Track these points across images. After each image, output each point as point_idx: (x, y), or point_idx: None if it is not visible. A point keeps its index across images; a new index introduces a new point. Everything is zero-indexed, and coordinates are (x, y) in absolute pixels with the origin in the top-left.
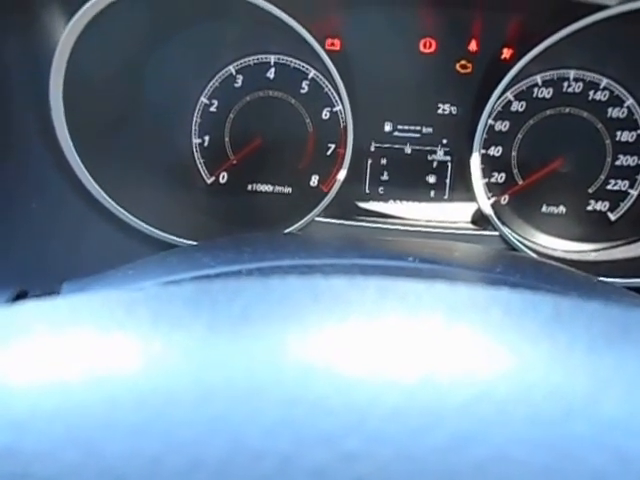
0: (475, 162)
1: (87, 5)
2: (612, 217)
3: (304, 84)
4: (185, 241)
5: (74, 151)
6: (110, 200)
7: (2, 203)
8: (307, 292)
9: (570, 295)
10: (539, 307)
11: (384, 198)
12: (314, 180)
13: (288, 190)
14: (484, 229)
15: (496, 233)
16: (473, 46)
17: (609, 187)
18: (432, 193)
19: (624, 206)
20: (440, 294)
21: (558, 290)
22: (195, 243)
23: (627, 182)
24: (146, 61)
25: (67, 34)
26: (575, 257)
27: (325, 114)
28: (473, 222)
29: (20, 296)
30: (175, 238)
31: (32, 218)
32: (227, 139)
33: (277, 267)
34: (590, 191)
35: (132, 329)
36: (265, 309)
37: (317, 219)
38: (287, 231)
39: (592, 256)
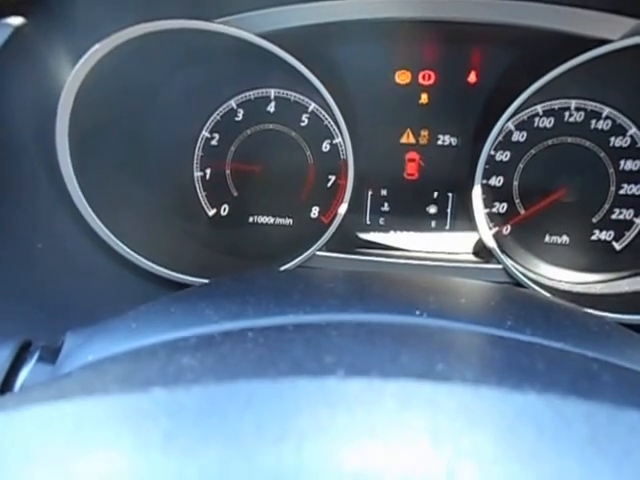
0: (476, 193)
1: (93, 49)
2: (617, 247)
3: (304, 117)
4: (188, 277)
5: (79, 191)
6: (113, 237)
7: (9, 244)
8: (322, 403)
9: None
10: (573, 426)
11: (385, 229)
12: (315, 212)
13: (289, 222)
14: (487, 262)
15: (499, 266)
16: (472, 78)
17: (613, 216)
18: (433, 224)
19: (629, 235)
20: (461, 403)
21: (579, 363)
22: (197, 281)
23: (632, 211)
24: (149, 99)
25: (73, 77)
26: (580, 289)
27: (325, 146)
28: (475, 253)
29: (24, 347)
30: (178, 275)
31: (37, 258)
32: (228, 172)
33: (283, 332)
34: (594, 220)
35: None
36: (279, 425)
37: (318, 253)
38: (289, 265)
39: (598, 288)
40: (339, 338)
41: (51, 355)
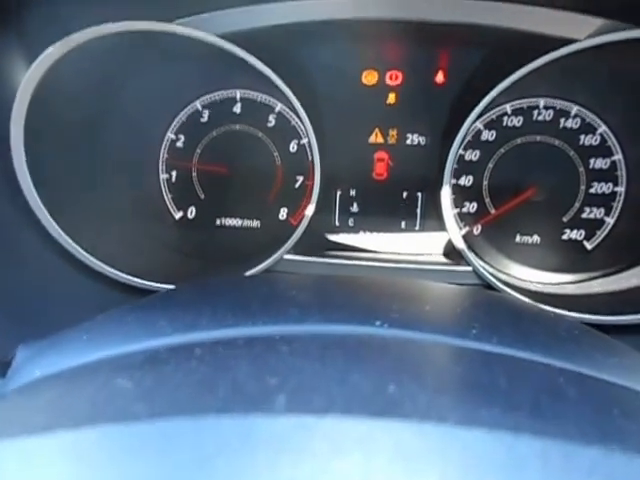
0: (445, 192)
1: (48, 51)
2: (588, 246)
3: (271, 117)
4: (153, 284)
5: (36, 195)
6: (73, 243)
7: None
8: (249, 443)
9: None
10: (526, 466)
11: (354, 230)
12: (283, 213)
13: (257, 224)
14: (456, 263)
15: (469, 268)
16: (440, 78)
17: (584, 215)
18: (403, 224)
19: (600, 234)
20: (402, 444)
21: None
22: (162, 287)
23: (602, 210)
24: (110, 101)
25: (27, 80)
26: (552, 290)
27: (293, 147)
28: (445, 255)
29: None
30: (143, 281)
31: None
32: (194, 174)
33: (233, 347)
34: (565, 220)
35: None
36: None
37: (286, 256)
38: (257, 269)
39: (569, 289)
40: (289, 355)
41: (2, 368)
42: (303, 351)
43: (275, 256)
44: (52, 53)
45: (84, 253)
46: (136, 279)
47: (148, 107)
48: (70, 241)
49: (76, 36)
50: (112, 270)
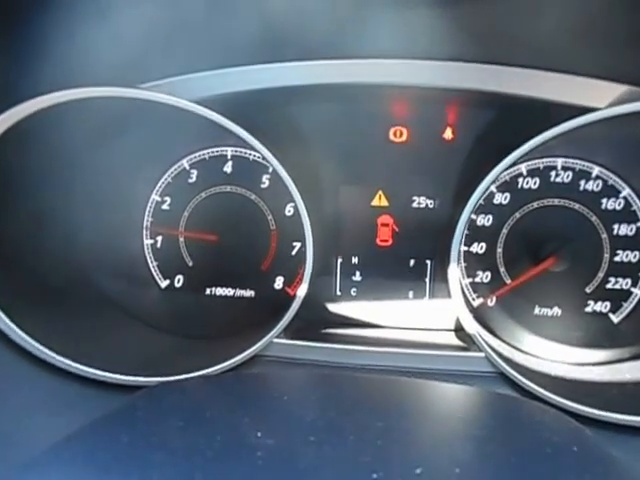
0: (454, 263)
1: (4, 115)
2: (615, 319)
3: (264, 178)
4: (127, 378)
5: None
6: (38, 344)
7: None
8: None
9: None
10: None
11: (357, 299)
12: (279, 282)
13: (250, 294)
14: (468, 349)
15: (481, 354)
16: (448, 134)
17: (609, 286)
18: (410, 294)
19: (627, 306)
20: None
21: None
22: (138, 381)
23: (629, 280)
24: (80, 166)
25: None
26: (576, 374)
27: (289, 210)
28: (456, 331)
29: None
30: (119, 377)
31: None
32: (182, 239)
33: None
34: (588, 291)
35: None
36: None
37: (276, 340)
38: (245, 354)
39: (595, 372)
40: None
41: None
42: None
43: (266, 339)
44: (10, 117)
45: (51, 353)
46: (111, 375)
47: (131, 167)
48: (33, 341)
49: (36, 101)
50: (85, 368)
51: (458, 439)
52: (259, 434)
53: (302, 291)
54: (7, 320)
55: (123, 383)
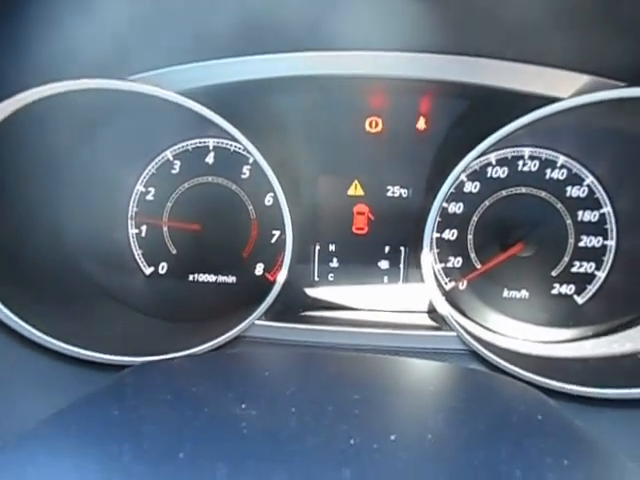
0: (426, 249)
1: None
2: (579, 300)
3: (245, 169)
4: (116, 357)
5: None
6: (25, 323)
7: None
8: None
9: None
10: None
11: (334, 285)
12: (259, 269)
13: (232, 279)
14: (440, 328)
15: (453, 333)
16: (421, 124)
17: (574, 269)
18: (385, 279)
19: (591, 289)
20: None
21: None
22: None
23: (593, 264)
24: (71, 155)
25: None
26: (542, 351)
27: (268, 200)
28: (430, 313)
29: None
30: (106, 356)
31: None
32: (165, 228)
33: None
34: (554, 274)
35: None
36: None
37: (257, 322)
38: (227, 335)
39: (560, 349)
40: None
41: None
42: None
43: (247, 321)
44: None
45: (37, 332)
46: (98, 354)
47: (115, 159)
48: (21, 321)
49: (26, 94)
50: (71, 347)
51: (431, 410)
52: (243, 406)
53: (282, 276)
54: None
55: (110, 362)
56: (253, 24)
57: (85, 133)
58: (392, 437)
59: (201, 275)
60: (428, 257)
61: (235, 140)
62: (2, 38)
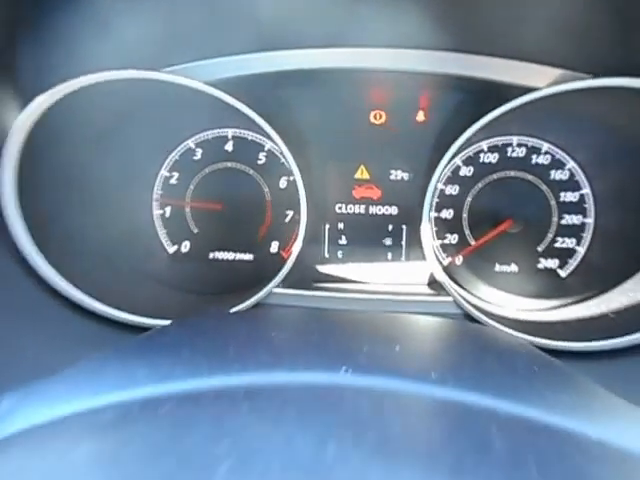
0: (426, 226)
1: (39, 98)
2: (562, 274)
3: (261, 155)
4: (145, 320)
5: (25, 235)
6: (67, 282)
7: None
8: None
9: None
10: None
11: (343, 261)
12: (274, 247)
13: (249, 257)
14: (438, 294)
15: (450, 298)
16: (421, 117)
17: (557, 245)
18: (389, 255)
19: (573, 263)
20: None
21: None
22: (153, 322)
23: (574, 240)
24: (104, 143)
25: (18, 125)
26: (529, 317)
27: (282, 183)
28: (429, 284)
29: None
30: (134, 317)
31: None
32: (188, 209)
33: (197, 404)
34: (539, 249)
35: None
36: None
37: (276, 290)
38: (247, 303)
39: (545, 315)
40: (246, 415)
41: None
42: (262, 408)
43: (266, 289)
44: (45, 99)
45: (76, 292)
46: (128, 315)
47: (142, 147)
48: (61, 279)
49: (68, 84)
50: (103, 306)
51: (436, 353)
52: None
53: (296, 250)
54: (54, 270)
55: (138, 324)
56: (271, 24)
57: (118, 121)
58: (397, 348)
59: (220, 253)
60: (428, 234)
61: (254, 130)
62: (53, 31)
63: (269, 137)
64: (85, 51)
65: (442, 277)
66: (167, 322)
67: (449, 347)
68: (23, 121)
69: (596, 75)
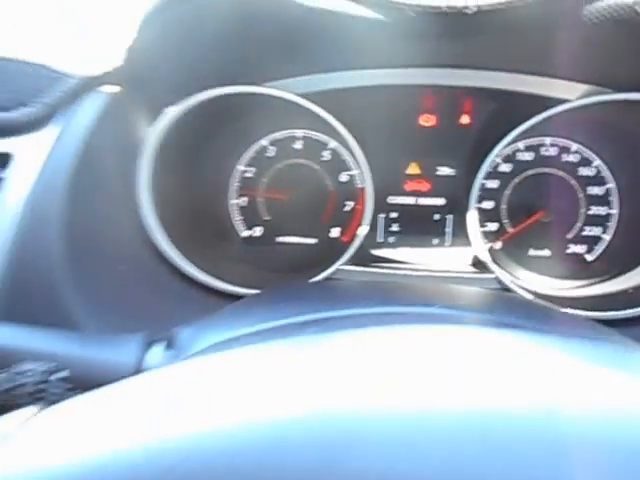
0: (471, 215)
1: (167, 110)
2: (589, 258)
3: (325, 153)
4: (232, 287)
5: (158, 226)
6: (185, 261)
7: (99, 265)
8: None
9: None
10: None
11: (395, 246)
12: (334, 232)
13: (314, 241)
14: (481, 272)
15: (492, 275)
16: (465, 120)
17: (585, 233)
18: (436, 241)
19: (598, 249)
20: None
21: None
22: (241, 291)
23: (600, 228)
24: (207, 144)
25: (153, 130)
26: (559, 294)
27: (343, 177)
28: (472, 266)
29: (150, 343)
30: (227, 286)
31: (119, 276)
32: (260, 199)
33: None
34: (569, 237)
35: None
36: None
37: (341, 267)
38: (319, 277)
39: (573, 292)
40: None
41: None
42: (386, 321)
43: (334, 267)
44: (171, 112)
45: (191, 267)
46: (227, 285)
47: (228, 146)
48: (181, 257)
49: (192, 98)
50: (209, 278)
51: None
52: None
53: (361, 235)
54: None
55: (232, 293)
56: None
57: (220, 126)
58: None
59: (288, 237)
60: (474, 222)
61: (326, 128)
62: (184, 50)
63: (337, 136)
64: (202, 69)
65: (486, 257)
66: (256, 291)
67: (502, 302)
68: (156, 128)
69: (618, 90)
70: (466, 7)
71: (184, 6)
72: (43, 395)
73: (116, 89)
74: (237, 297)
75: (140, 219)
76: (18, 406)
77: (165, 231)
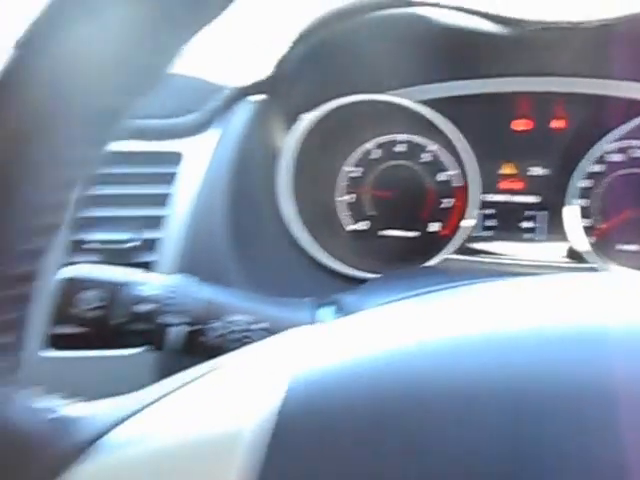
0: (568, 211)
1: (304, 117)
2: None
3: (423, 155)
4: (355, 272)
5: (300, 224)
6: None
7: (259, 250)
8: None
9: None
10: None
11: (490, 240)
12: (434, 227)
13: (415, 234)
14: (579, 263)
15: (588, 266)
16: (560, 124)
17: None
18: (531, 236)
19: None
20: None
21: None
22: (362, 274)
23: None
24: (330, 145)
25: (291, 135)
26: None
27: (441, 177)
28: (568, 257)
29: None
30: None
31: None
32: (366, 196)
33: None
34: None
35: None
36: None
37: (448, 256)
38: (427, 264)
39: None
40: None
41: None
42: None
43: (439, 256)
44: (306, 118)
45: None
46: (350, 270)
47: (340, 148)
48: (318, 247)
49: (325, 105)
50: (336, 263)
51: None
52: None
53: (463, 229)
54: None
55: (353, 276)
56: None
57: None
58: None
59: (391, 231)
60: (572, 218)
61: (428, 132)
62: (326, 65)
63: (439, 140)
64: (337, 80)
65: (584, 247)
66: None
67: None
68: (294, 133)
69: None
70: (585, 22)
71: (333, 28)
72: (249, 341)
73: (262, 97)
74: (357, 280)
75: (280, 211)
76: (229, 350)
77: (301, 223)
